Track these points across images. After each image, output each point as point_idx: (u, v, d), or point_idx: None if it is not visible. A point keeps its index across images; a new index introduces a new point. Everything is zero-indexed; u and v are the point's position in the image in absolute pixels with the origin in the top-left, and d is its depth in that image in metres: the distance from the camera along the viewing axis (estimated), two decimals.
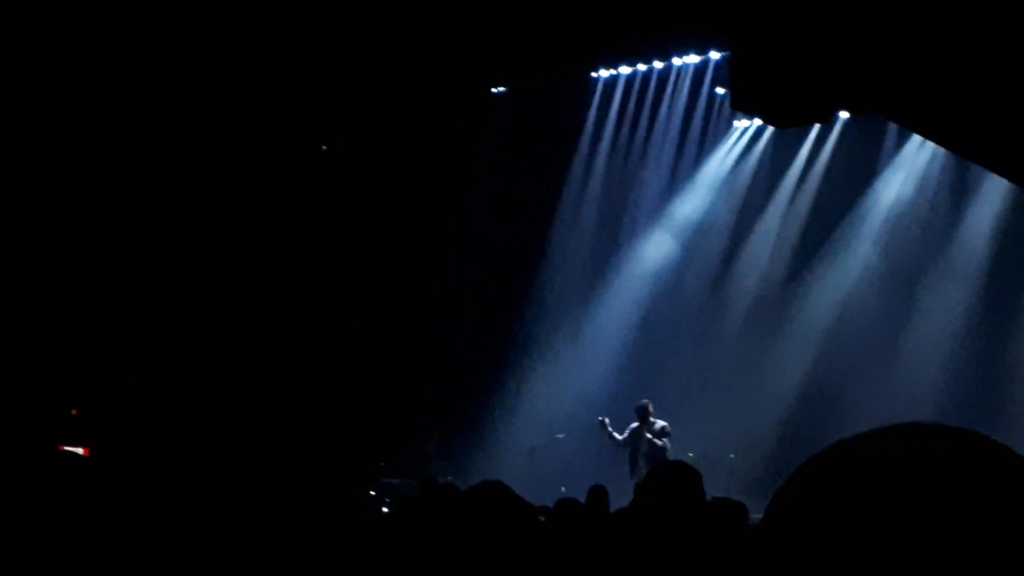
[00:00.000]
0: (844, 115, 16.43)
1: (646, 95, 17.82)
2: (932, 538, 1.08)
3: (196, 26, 12.10)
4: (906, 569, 1.07)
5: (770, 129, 17.46)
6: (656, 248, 17.96)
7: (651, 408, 14.37)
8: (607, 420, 14.61)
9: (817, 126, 16.86)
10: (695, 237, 17.84)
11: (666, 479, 3.73)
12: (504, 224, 17.76)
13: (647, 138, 17.96)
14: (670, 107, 17.76)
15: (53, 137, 12.08)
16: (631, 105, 17.88)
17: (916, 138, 15.97)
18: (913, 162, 16.63)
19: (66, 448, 11.88)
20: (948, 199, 16.39)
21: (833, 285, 16.82)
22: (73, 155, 12.13)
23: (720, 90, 16.88)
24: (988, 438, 1.19)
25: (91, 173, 12.32)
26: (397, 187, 14.62)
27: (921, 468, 1.12)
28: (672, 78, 17.58)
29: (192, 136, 12.72)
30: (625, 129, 18.02)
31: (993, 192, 15.91)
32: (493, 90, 17.42)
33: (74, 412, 11.92)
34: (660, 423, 14.29)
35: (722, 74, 16.06)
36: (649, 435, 14.12)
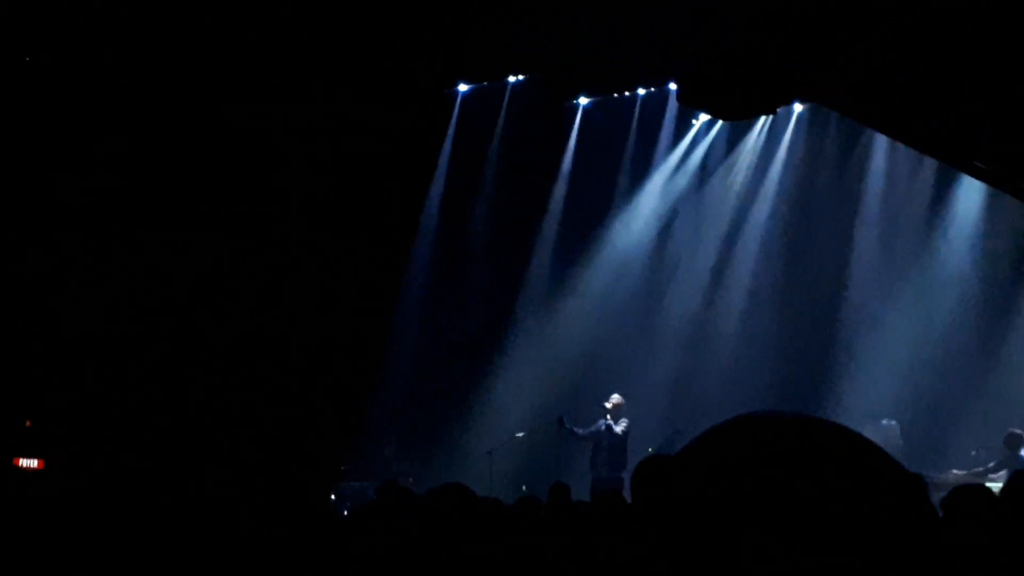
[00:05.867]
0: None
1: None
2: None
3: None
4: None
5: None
6: (625, 241, 17.92)
7: (623, 405, 14.47)
8: (564, 418, 14.70)
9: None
10: (660, 235, 17.87)
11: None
12: (462, 224, 17.81)
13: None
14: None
15: (50, 137, 11.91)
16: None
17: None
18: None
19: (20, 461, 11.74)
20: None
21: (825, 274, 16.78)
22: (68, 156, 11.96)
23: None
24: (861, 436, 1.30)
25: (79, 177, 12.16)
26: (355, 199, 14.39)
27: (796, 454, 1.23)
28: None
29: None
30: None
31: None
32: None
33: (28, 423, 11.78)
34: (624, 420, 14.43)
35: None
36: (615, 430, 14.24)
